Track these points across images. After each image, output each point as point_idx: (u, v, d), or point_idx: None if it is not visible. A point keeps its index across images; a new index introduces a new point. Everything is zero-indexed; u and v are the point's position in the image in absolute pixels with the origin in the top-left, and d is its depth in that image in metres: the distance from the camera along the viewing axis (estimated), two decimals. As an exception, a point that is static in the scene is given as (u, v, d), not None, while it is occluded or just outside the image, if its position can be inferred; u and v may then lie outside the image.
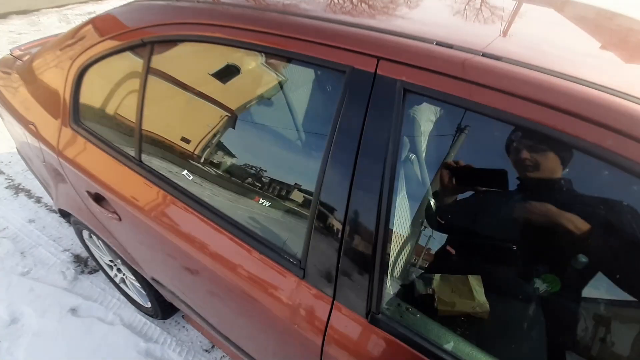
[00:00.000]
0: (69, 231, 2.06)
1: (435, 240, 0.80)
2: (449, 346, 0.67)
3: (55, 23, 4.95)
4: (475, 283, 0.74)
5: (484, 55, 0.61)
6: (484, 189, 0.78)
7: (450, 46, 0.64)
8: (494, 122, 0.59)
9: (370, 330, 0.72)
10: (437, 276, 0.77)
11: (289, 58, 0.81)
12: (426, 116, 0.78)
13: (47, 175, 1.50)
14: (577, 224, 0.64)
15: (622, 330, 0.65)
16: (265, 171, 0.93)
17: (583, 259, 0.66)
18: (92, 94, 1.18)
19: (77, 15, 5.26)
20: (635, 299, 0.64)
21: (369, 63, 0.67)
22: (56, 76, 1.24)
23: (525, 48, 0.73)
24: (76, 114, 1.20)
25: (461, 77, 0.60)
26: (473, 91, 0.59)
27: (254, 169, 0.96)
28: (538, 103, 0.55)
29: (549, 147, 0.64)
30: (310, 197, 0.76)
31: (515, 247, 0.75)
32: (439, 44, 0.65)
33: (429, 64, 0.62)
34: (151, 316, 1.67)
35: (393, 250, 0.75)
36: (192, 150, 1.03)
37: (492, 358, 0.66)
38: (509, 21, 0.87)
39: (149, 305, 1.59)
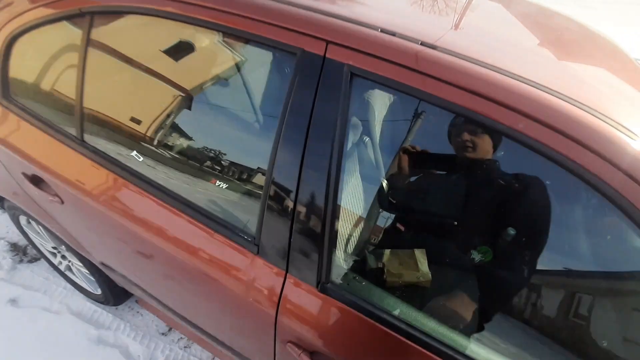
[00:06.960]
0: (2, 217, 1.89)
1: (386, 218, 0.87)
2: (392, 309, 0.75)
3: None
4: (420, 256, 0.82)
5: (422, 44, 0.66)
6: (434, 171, 0.86)
7: (393, 33, 0.68)
8: (434, 108, 0.65)
9: (320, 299, 0.77)
10: (386, 251, 0.84)
11: (240, 37, 0.81)
12: (379, 101, 0.83)
13: (-28, 156, 1.35)
14: None
15: (548, 295, 0.77)
16: (218, 151, 0.93)
17: (512, 231, 0.76)
18: (24, 67, 1.08)
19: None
20: (558, 267, 0.75)
21: (319, 46, 0.69)
22: (-22, 45, 1.11)
23: (464, 39, 0.79)
24: (5, 89, 1.09)
25: (401, 63, 0.64)
26: (412, 77, 0.64)
27: (206, 148, 0.95)
28: (469, 91, 0.61)
29: (484, 131, 0.72)
30: (263, 176, 0.78)
31: (455, 223, 0.84)
32: (383, 30, 0.69)
33: (372, 49, 0.66)
34: (102, 303, 1.61)
35: (344, 226, 0.80)
36: (139, 130, 0.99)
37: (430, 318, 0.75)
38: (459, 13, 0.92)
39: (98, 291, 1.53)
